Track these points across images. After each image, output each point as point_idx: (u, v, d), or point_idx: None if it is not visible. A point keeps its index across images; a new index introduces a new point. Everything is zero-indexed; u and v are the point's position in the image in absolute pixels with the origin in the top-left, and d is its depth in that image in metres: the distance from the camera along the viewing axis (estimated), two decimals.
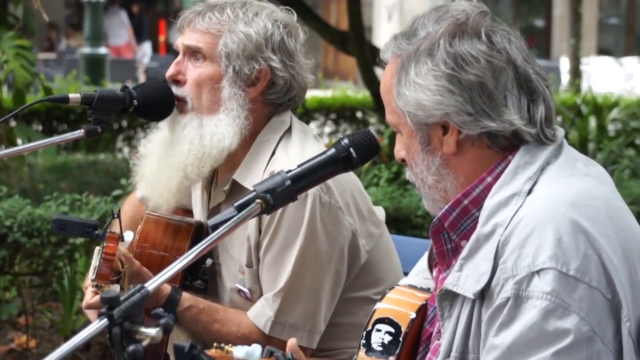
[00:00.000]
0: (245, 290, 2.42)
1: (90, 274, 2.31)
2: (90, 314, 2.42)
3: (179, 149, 2.40)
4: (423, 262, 2.14)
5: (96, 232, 2.32)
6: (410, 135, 1.85)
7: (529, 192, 1.77)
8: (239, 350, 1.64)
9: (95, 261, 2.31)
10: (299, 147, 2.41)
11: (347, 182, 2.36)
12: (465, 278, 1.76)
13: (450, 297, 1.80)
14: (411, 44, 1.83)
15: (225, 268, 2.47)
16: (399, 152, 1.92)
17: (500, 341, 1.69)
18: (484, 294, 1.74)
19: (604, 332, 1.67)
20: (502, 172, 1.80)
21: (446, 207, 1.84)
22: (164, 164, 2.42)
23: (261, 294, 2.39)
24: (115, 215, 2.28)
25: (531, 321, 1.66)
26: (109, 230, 2.27)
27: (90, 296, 2.36)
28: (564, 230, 1.69)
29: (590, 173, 1.83)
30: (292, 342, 1.81)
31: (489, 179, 1.81)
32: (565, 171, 1.79)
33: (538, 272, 1.67)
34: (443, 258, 1.90)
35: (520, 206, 1.75)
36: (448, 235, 1.86)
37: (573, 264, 1.67)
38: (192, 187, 2.53)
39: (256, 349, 1.65)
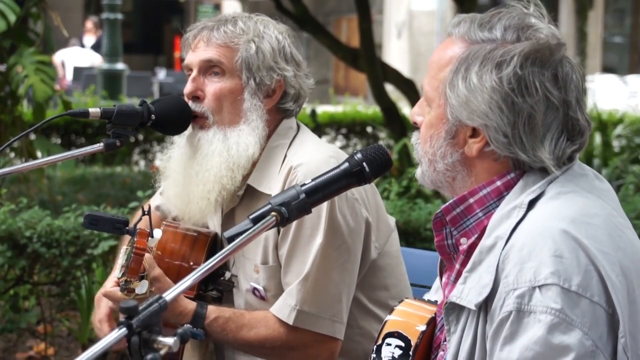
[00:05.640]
0: (260, 288, 2.43)
1: (117, 273, 2.32)
2: (103, 303, 2.44)
3: (211, 164, 2.40)
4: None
5: (127, 228, 2.33)
6: (440, 119, 1.83)
7: (531, 205, 1.77)
8: None
9: (122, 260, 2.32)
10: (315, 144, 2.46)
11: None
12: (469, 290, 1.77)
13: (456, 311, 1.81)
14: (484, 40, 1.80)
15: (242, 271, 2.49)
16: (417, 115, 1.91)
17: (506, 356, 1.69)
18: (487, 309, 1.75)
19: (605, 347, 1.68)
20: (512, 179, 1.81)
21: (450, 201, 1.84)
22: (198, 180, 2.43)
23: (275, 292, 2.41)
24: (146, 213, 2.29)
25: (536, 335, 1.66)
26: (138, 226, 2.29)
27: (110, 284, 2.37)
28: (564, 247, 1.69)
29: (594, 189, 1.82)
30: None
31: (499, 183, 1.81)
32: (568, 187, 1.79)
33: (540, 287, 1.67)
34: (446, 255, 1.90)
35: (521, 219, 1.75)
36: (450, 230, 1.86)
37: (575, 279, 1.67)
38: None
39: None
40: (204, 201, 2.44)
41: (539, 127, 1.77)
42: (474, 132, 1.81)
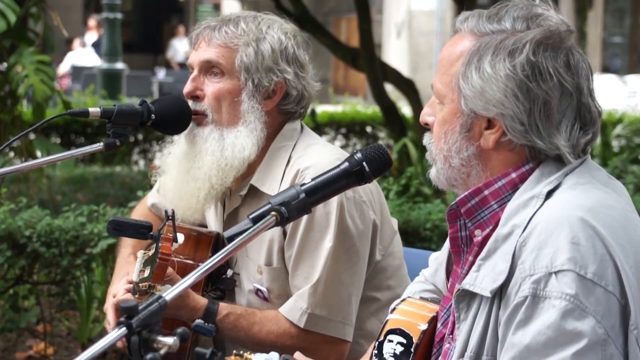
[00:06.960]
0: (263, 289, 2.44)
1: (135, 277, 2.32)
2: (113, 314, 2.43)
3: (203, 161, 2.42)
4: (415, 285, 2.17)
5: (151, 233, 2.35)
6: (454, 114, 1.83)
7: (548, 195, 1.77)
8: (258, 357, 1.68)
9: (139, 264, 2.31)
10: (321, 146, 2.46)
11: None
12: (483, 277, 1.77)
13: (467, 298, 1.80)
14: (494, 31, 1.81)
15: (245, 271, 2.50)
16: (427, 116, 1.90)
17: (518, 340, 1.69)
18: (501, 295, 1.75)
19: (617, 336, 1.68)
20: (527, 170, 1.81)
21: (466, 193, 1.84)
22: (189, 177, 2.44)
23: (279, 294, 2.42)
24: (170, 217, 2.29)
25: (549, 320, 1.67)
26: (162, 232, 2.29)
27: (122, 292, 2.39)
28: (581, 235, 1.70)
29: (609, 184, 1.84)
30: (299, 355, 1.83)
31: (514, 175, 1.81)
32: (585, 179, 1.80)
33: (556, 273, 1.68)
34: (457, 248, 1.90)
35: (539, 208, 1.76)
36: (464, 222, 1.86)
37: (591, 267, 1.68)
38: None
39: (274, 356, 1.69)
40: (193, 198, 2.45)
41: (554, 113, 1.78)
42: (490, 124, 1.81)
